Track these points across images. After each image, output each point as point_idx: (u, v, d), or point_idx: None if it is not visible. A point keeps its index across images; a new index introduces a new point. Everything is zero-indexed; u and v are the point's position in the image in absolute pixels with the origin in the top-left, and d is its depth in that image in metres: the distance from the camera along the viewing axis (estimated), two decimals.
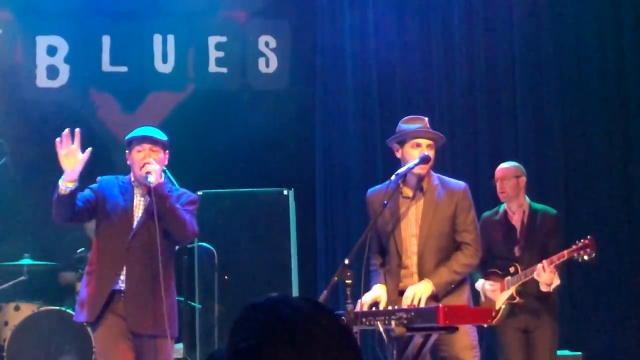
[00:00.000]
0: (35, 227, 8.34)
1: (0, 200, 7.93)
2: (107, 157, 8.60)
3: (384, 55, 8.38)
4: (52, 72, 8.79)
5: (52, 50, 8.78)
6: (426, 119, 5.39)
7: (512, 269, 6.03)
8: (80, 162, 5.33)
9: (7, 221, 8.11)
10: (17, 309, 7.77)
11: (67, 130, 5.50)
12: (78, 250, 7.96)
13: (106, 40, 8.83)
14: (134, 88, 8.94)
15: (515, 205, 6.21)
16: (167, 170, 5.95)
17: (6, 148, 7.66)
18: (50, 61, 8.78)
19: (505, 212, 6.24)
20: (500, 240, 6.22)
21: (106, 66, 8.87)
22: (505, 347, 6.21)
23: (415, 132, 5.28)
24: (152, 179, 5.39)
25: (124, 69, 8.89)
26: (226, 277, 7.81)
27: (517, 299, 5.98)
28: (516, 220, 6.22)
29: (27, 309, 7.69)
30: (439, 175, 5.36)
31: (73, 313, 7.34)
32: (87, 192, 5.62)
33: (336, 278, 4.79)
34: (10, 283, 7.85)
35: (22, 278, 7.87)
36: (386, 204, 5.09)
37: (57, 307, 7.71)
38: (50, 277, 8.31)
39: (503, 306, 5.99)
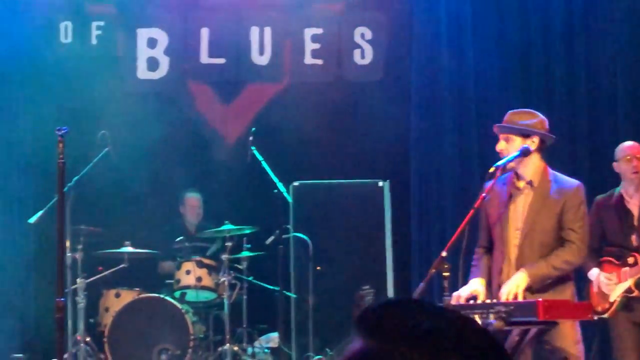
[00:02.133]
0: (135, 215, 8.52)
1: (102, 189, 8.09)
2: (204, 147, 8.97)
3: (480, 46, 8.23)
4: (153, 64, 8.92)
5: (152, 43, 8.91)
6: (510, 112, 5.33)
7: (630, 260, 5.73)
8: None
9: (109, 209, 8.28)
10: (117, 295, 7.97)
11: None
12: (177, 239, 8.10)
13: (205, 33, 8.91)
14: (231, 79, 9.05)
15: (633, 189, 5.89)
16: None
17: (108, 138, 7.65)
18: (150, 53, 8.91)
19: (621, 196, 5.93)
20: (615, 226, 5.92)
21: (204, 58, 8.96)
22: (619, 342, 5.89)
23: (495, 125, 5.29)
24: None
25: (221, 60, 8.96)
26: (318, 267, 7.85)
27: (635, 292, 5.70)
28: (633, 205, 5.90)
29: (128, 296, 7.88)
30: (555, 172, 5.22)
31: (172, 300, 7.73)
32: None
33: (433, 270, 4.77)
34: (112, 270, 7.99)
35: (122, 266, 7.98)
36: (485, 197, 5.06)
37: (157, 295, 7.85)
38: (149, 265, 8.45)
39: (618, 299, 5.74)
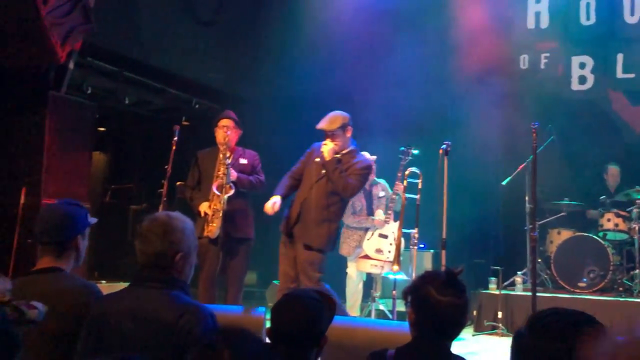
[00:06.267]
0: (572, 179, 8.53)
1: (550, 163, 7.93)
2: (618, 134, 8.84)
3: None
4: (582, 79, 9.04)
5: (582, 65, 9.03)
6: None
7: None
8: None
9: (554, 175, 8.22)
10: (559, 233, 8.23)
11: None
12: (601, 197, 8.15)
13: (620, 57, 8.90)
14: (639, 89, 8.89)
15: None
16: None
17: (553, 130, 7.90)
18: (580, 72, 9.04)
19: None
20: None
21: (619, 74, 8.91)
22: None
23: None
24: (325, 156, 5.54)
25: (632, 75, 8.86)
26: None
27: None
28: None
29: (566, 234, 8.11)
30: None
31: (597, 238, 7.70)
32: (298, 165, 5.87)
33: None
34: (555, 217, 8.32)
35: (562, 214, 8.31)
36: None
37: (586, 233, 7.89)
38: (581, 213, 8.42)
39: None
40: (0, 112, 5.71)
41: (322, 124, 5.57)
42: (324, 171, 5.59)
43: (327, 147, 5.52)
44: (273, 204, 5.55)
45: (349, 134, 5.61)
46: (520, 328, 1.82)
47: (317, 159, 5.63)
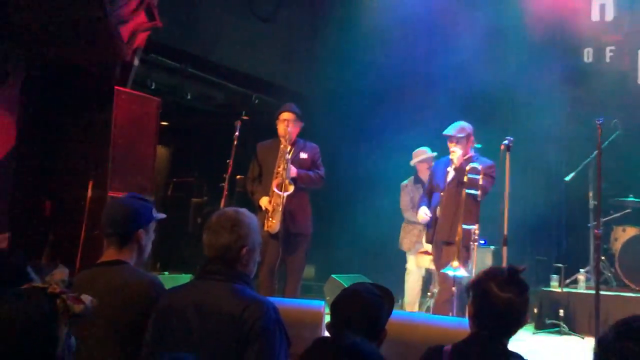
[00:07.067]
0: (636, 176, 8.19)
1: (620, 160, 7.87)
2: None
3: None
4: None
5: None
6: None
7: None
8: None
9: (620, 173, 8.09)
10: (624, 230, 7.90)
11: None
12: None
13: None
14: None
15: None
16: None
17: (618, 125, 7.67)
18: None
19: None
20: None
21: None
22: None
23: None
24: (455, 163, 5.97)
25: None
26: None
27: None
28: None
29: (631, 231, 7.86)
30: None
31: None
32: None
33: None
34: (620, 214, 8.04)
35: (627, 211, 8.01)
36: None
37: None
38: None
39: None
40: (68, 108, 5.91)
41: (451, 131, 6.02)
42: (450, 177, 6.06)
43: (456, 155, 5.98)
44: (425, 212, 6.15)
45: (471, 143, 6.06)
46: (606, 333, 1.81)
47: (449, 169, 6.11)
